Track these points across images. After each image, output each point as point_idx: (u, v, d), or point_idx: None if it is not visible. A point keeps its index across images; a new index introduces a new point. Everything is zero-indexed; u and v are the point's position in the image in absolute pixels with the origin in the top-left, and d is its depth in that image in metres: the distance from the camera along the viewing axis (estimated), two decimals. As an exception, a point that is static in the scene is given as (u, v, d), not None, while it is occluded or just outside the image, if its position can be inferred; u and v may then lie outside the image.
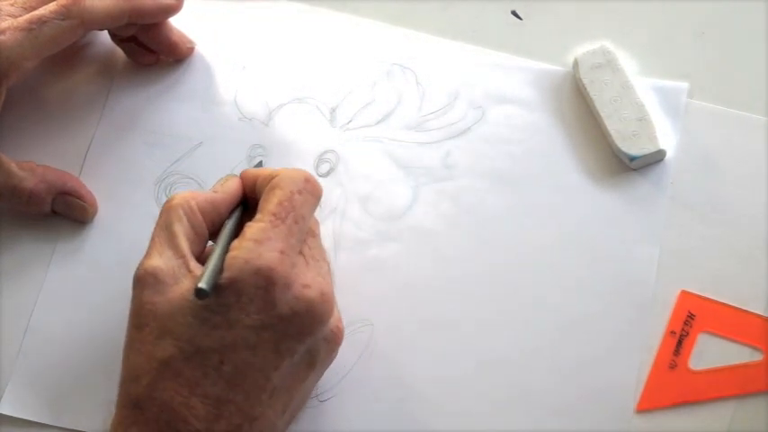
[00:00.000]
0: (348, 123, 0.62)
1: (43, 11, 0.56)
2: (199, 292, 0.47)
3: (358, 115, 0.62)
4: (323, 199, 0.59)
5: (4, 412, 0.56)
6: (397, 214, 0.59)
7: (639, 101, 0.60)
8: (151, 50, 0.62)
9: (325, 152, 0.61)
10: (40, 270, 0.59)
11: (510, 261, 0.58)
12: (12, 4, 0.57)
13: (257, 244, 0.49)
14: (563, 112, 0.61)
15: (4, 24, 0.56)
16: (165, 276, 0.50)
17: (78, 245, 0.59)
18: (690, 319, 0.57)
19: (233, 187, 0.54)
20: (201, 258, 0.51)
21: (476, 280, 0.57)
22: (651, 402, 0.55)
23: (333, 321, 0.51)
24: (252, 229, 0.50)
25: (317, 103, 0.62)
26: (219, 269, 0.48)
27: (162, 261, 0.50)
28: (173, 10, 0.60)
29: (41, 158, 0.60)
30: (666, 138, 0.60)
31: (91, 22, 0.57)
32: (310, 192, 0.53)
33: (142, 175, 0.60)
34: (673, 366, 0.56)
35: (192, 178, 0.60)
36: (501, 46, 0.63)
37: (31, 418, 0.56)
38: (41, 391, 0.56)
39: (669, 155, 0.60)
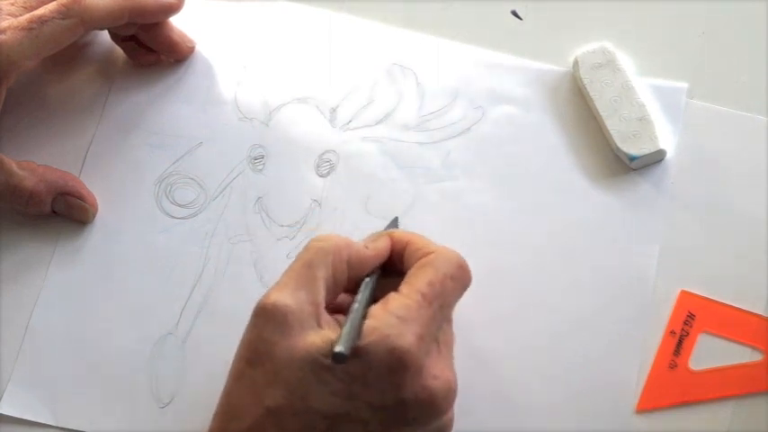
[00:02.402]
0: (348, 123, 0.62)
1: (43, 10, 0.56)
2: (336, 357, 0.45)
3: (358, 115, 0.62)
4: (324, 199, 0.60)
5: (4, 412, 0.56)
6: (397, 214, 0.59)
7: (639, 101, 0.60)
8: (151, 50, 0.62)
9: (326, 152, 0.61)
10: (40, 270, 0.59)
11: (510, 261, 0.58)
12: (12, 4, 0.57)
13: (400, 321, 0.47)
14: (563, 112, 0.61)
15: (5, 24, 0.56)
16: (293, 319, 0.47)
17: (79, 245, 0.59)
18: (690, 319, 0.57)
19: (383, 247, 0.52)
20: (331, 308, 0.50)
21: (475, 280, 0.57)
22: (651, 402, 0.55)
23: (449, 413, 0.50)
24: (397, 302, 0.48)
25: (318, 103, 0.62)
26: (358, 334, 0.46)
27: (294, 301, 0.48)
28: (173, 9, 0.60)
29: (42, 158, 0.60)
30: (666, 138, 0.60)
31: (91, 22, 0.57)
32: (461, 280, 0.51)
33: (143, 175, 0.60)
34: (673, 366, 0.56)
35: (193, 178, 0.60)
36: (501, 46, 0.63)
37: (30, 418, 0.56)
38: (41, 391, 0.56)
39: (669, 155, 0.60)
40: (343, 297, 0.51)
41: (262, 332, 0.47)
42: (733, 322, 0.56)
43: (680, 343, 0.56)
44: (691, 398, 0.55)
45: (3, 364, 0.57)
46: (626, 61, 0.61)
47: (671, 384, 0.55)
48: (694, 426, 0.55)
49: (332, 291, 0.50)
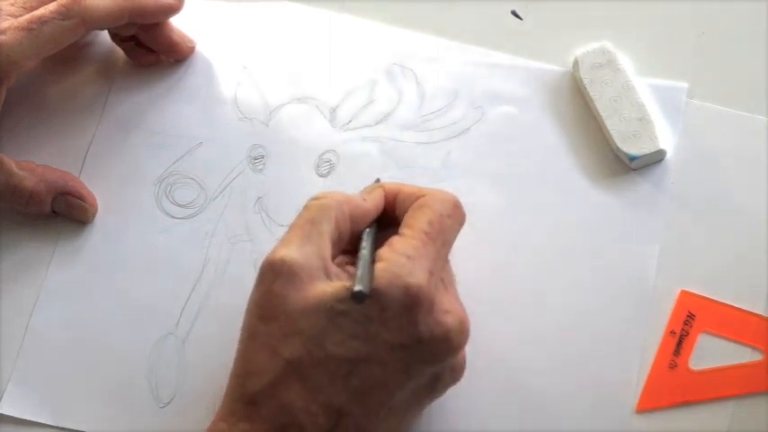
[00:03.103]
0: (348, 123, 0.62)
1: (44, 11, 0.56)
2: (356, 295, 0.45)
3: (358, 115, 0.62)
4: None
5: (4, 412, 0.56)
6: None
7: (639, 101, 0.60)
8: (151, 50, 0.62)
9: (326, 152, 0.61)
10: (40, 270, 0.59)
11: (510, 261, 0.58)
12: (12, 4, 0.57)
13: (409, 260, 0.48)
14: (563, 112, 0.61)
15: (5, 24, 0.56)
16: (301, 272, 0.48)
17: (79, 245, 0.59)
18: (690, 319, 0.57)
19: (379, 199, 0.53)
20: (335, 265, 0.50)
21: (475, 280, 0.57)
22: (651, 402, 0.55)
23: (462, 352, 0.51)
24: (403, 243, 0.49)
25: (317, 103, 0.62)
26: (371, 276, 0.47)
27: (301, 255, 0.48)
28: (173, 10, 0.60)
29: (42, 158, 0.60)
30: (666, 138, 0.60)
31: (91, 22, 0.57)
32: (457, 218, 0.52)
33: (142, 175, 0.60)
34: (673, 366, 0.56)
35: (193, 178, 0.60)
36: (501, 46, 0.63)
37: (30, 418, 0.56)
38: (41, 391, 0.56)
39: (669, 155, 0.60)
40: (340, 259, 0.51)
41: (272, 287, 0.48)
42: (733, 322, 0.56)
43: (680, 343, 0.56)
44: (691, 398, 0.55)
45: (3, 364, 0.57)
46: (626, 61, 0.61)
47: (671, 384, 0.55)
48: (694, 426, 0.55)
49: (336, 245, 0.50)
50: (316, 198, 0.51)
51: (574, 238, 0.58)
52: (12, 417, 0.56)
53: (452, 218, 0.51)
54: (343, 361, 0.47)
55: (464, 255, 0.58)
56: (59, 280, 0.59)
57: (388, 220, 0.53)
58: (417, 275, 0.47)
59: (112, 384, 0.56)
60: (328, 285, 0.48)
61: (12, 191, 0.57)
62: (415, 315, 0.47)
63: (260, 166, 0.61)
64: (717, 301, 0.57)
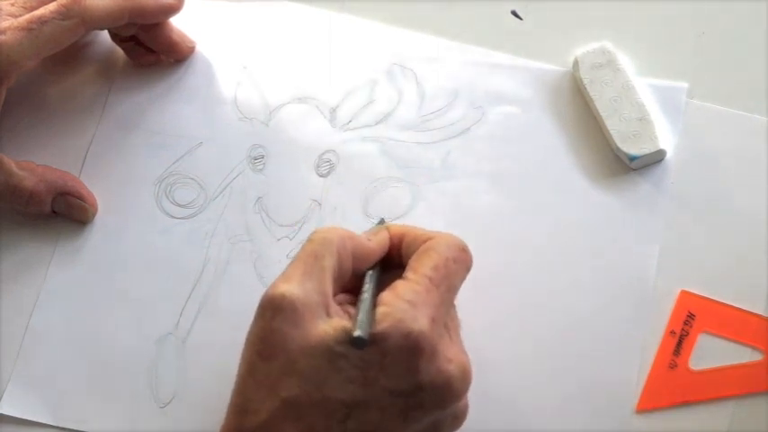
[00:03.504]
0: (348, 123, 0.62)
1: (44, 11, 0.56)
2: (356, 341, 0.45)
3: (358, 115, 0.62)
4: (324, 199, 0.60)
5: (4, 412, 0.56)
6: (397, 214, 0.59)
7: (639, 101, 0.60)
8: (151, 50, 0.62)
9: (326, 152, 0.61)
10: (40, 270, 0.59)
11: (510, 261, 0.58)
12: (12, 4, 0.57)
13: (411, 305, 0.47)
14: (563, 112, 0.61)
15: (5, 24, 0.56)
16: (303, 309, 0.47)
17: (78, 245, 0.59)
18: (690, 319, 0.57)
19: (384, 240, 0.52)
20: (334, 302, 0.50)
21: (475, 280, 0.57)
22: (651, 402, 0.55)
23: (464, 399, 0.50)
24: (405, 287, 0.48)
25: (318, 103, 0.62)
26: (372, 321, 0.46)
27: (302, 291, 0.47)
28: (173, 10, 0.60)
29: (42, 158, 0.60)
30: (666, 138, 0.60)
31: (91, 22, 0.57)
32: (464, 262, 0.51)
33: (142, 175, 0.60)
34: (673, 366, 0.56)
35: (193, 178, 0.60)
36: (501, 46, 0.63)
37: (30, 418, 0.56)
38: (41, 391, 0.56)
39: (669, 155, 0.60)
40: (342, 297, 0.51)
41: (271, 323, 0.47)
42: (733, 322, 0.57)
43: (680, 343, 0.56)
44: (691, 398, 0.55)
45: (3, 364, 0.57)
46: (626, 61, 0.61)
47: (671, 384, 0.55)
48: (694, 426, 0.55)
49: (338, 281, 0.49)
50: (320, 231, 0.50)
51: (574, 238, 0.58)
52: (12, 417, 0.56)
53: (458, 262, 0.50)
54: (341, 404, 0.46)
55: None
56: (59, 280, 0.59)
57: (392, 263, 0.52)
58: (420, 322, 0.46)
59: (112, 384, 0.56)
60: (329, 325, 0.47)
61: (12, 191, 0.57)
62: (416, 362, 0.46)
63: (260, 166, 0.61)
64: (717, 301, 0.57)
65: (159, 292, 0.58)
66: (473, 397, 0.55)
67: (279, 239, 0.59)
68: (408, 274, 0.49)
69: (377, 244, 0.52)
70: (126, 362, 0.57)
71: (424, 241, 0.51)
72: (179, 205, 0.60)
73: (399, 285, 0.48)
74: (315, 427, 0.46)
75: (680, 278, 0.57)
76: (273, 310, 0.47)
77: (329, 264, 0.48)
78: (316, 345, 0.46)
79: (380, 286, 0.49)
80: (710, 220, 0.58)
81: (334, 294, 0.50)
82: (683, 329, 0.56)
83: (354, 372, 0.46)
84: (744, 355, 0.56)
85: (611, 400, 0.55)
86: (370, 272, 0.51)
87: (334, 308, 0.48)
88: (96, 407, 0.56)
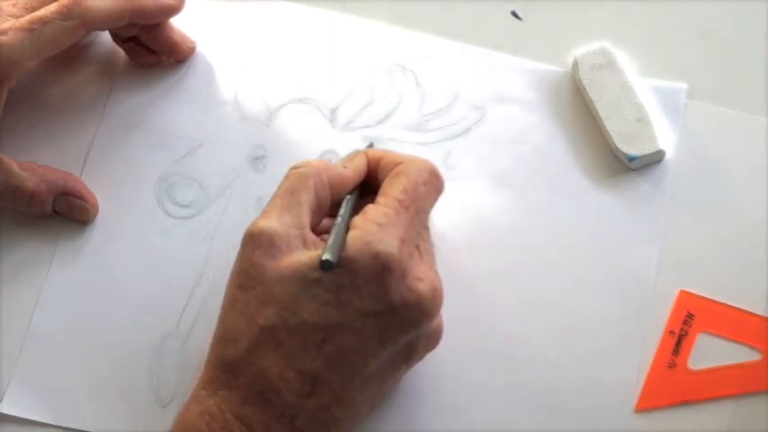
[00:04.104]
0: (348, 124, 0.62)
1: (45, 11, 0.56)
2: (324, 264, 0.46)
3: (358, 116, 0.62)
4: (323, 199, 0.60)
5: (5, 412, 0.56)
6: None
7: (639, 101, 0.60)
8: (152, 51, 0.62)
9: (326, 152, 0.61)
10: (41, 270, 0.59)
11: (509, 261, 0.58)
12: (13, 5, 0.57)
13: (380, 228, 0.49)
14: (563, 112, 0.61)
15: (6, 25, 0.56)
16: (279, 241, 0.49)
17: (80, 245, 0.59)
18: (689, 319, 0.57)
19: (360, 165, 0.54)
20: (316, 231, 0.51)
21: (474, 280, 0.57)
22: (650, 402, 0.55)
23: (436, 321, 0.51)
24: (375, 211, 0.50)
25: (318, 104, 0.62)
26: (342, 244, 0.48)
27: (279, 225, 0.49)
28: (174, 10, 0.60)
29: (42, 159, 0.60)
30: (666, 138, 0.60)
31: (92, 23, 0.57)
32: (434, 185, 0.53)
33: (143, 176, 0.61)
34: (672, 366, 0.56)
35: (194, 178, 0.60)
36: (501, 46, 0.63)
37: (32, 418, 0.56)
38: (43, 390, 0.56)
39: (669, 155, 0.60)
40: (326, 221, 0.52)
41: (251, 257, 0.49)
42: (732, 322, 0.57)
43: (679, 342, 0.56)
44: (690, 397, 0.55)
45: (4, 363, 0.57)
46: (626, 62, 0.61)
47: (670, 384, 0.56)
48: (693, 425, 0.55)
49: (317, 213, 0.51)
50: (295, 167, 0.52)
51: (573, 238, 0.59)
52: (13, 416, 0.56)
53: (428, 185, 0.52)
54: (317, 328, 0.48)
55: (464, 254, 0.58)
56: (60, 280, 0.59)
57: (372, 187, 0.53)
58: (388, 243, 0.48)
59: (113, 384, 0.57)
60: (304, 254, 0.49)
61: (13, 191, 0.57)
62: (386, 282, 0.48)
63: (260, 167, 0.61)
64: (716, 301, 0.57)
65: (160, 292, 0.58)
66: (472, 395, 0.55)
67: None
68: (379, 198, 0.51)
69: (353, 171, 0.53)
70: (127, 361, 0.57)
71: (396, 165, 0.52)
72: (180, 205, 0.60)
73: (370, 209, 0.50)
74: (293, 352, 0.48)
75: (679, 278, 0.57)
76: (253, 245, 0.49)
77: (305, 197, 0.51)
78: (291, 273, 0.48)
79: (359, 210, 0.51)
80: (710, 221, 0.59)
81: (317, 223, 0.52)
82: (682, 329, 0.57)
83: (328, 295, 0.48)
84: (743, 355, 0.56)
85: (611, 400, 0.55)
86: (348, 197, 0.52)
87: (312, 238, 0.50)
88: (97, 406, 0.56)
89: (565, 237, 0.59)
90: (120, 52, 0.63)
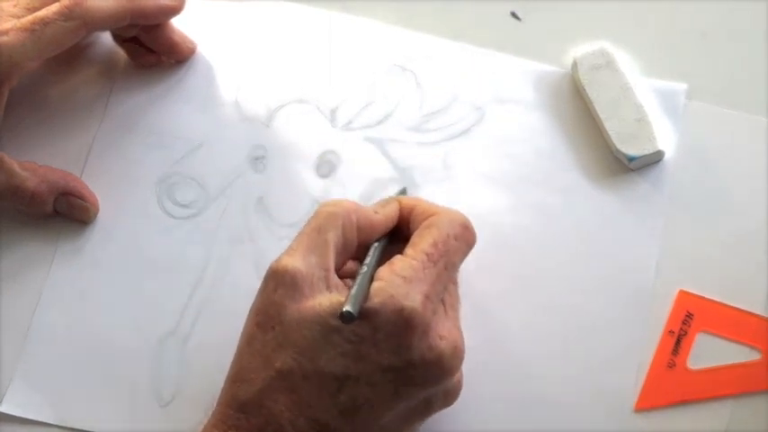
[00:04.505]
0: (348, 124, 0.62)
1: (46, 12, 0.56)
2: (345, 316, 0.45)
3: (358, 116, 0.62)
4: (324, 199, 0.60)
5: (6, 411, 0.56)
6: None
7: (638, 102, 0.60)
8: (153, 51, 0.62)
9: (326, 153, 0.61)
10: (42, 270, 0.59)
11: (509, 261, 0.58)
12: (14, 5, 0.58)
13: (406, 282, 0.47)
14: (562, 112, 0.61)
15: (7, 25, 0.56)
16: (303, 283, 0.48)
17: (80, 245, 0.59)
18: (688, 319, 0.57)
19: (392, 213, 0.53)
20: (340, 274, 0.50)
21: (474, 280, 0.58)
22: (650, 401, 0.55)
23: (456, 376, 0.50)
24: (402, 263, 0.48)
25: (318, 104, 0.62)
26: (365, 295, 0.47)
27: (304, 265, 0.48)
28: (174, 11, 0.60)
29: (43, 159, 0.60)
30: (665, 138, 0.60)
31: (93, 23, 0.57)
32: (465, 239, 0.51)
33: (144, 176, 0.61)
34: (671, 366, 0.56)
35: (194, 178, 0.61)
36: (501, 46, 0.63)
37: (33, 417, 0.56)
38: (44, 390, 0.57)
39: (668, 155, 0.60)
40: (351, 264, 0.51)
41: (272, 296, 0.48)
42: (731, 322, 0.57)
43: (678, 342, 0.56)
44: (689, 397, 0.55)
45: (5, 363, 0.57)
46: (625, 62, 0.61)
47: (669, 383, 0.56)
48: (693, 425, 0.55)
49: (342, 255, 0.50)
50: (326, 204, 0.51)
51: (573, 238, 0.59)
52: (14, 416, 0.56)
53: (459, 239, 0.51)
54: (333, 377, 0.47)
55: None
56: (61, 279, 0.59)
57: (402, 235, 0.52)
58: (412, 298, 0.47)
59: (114, 383, 0.57)
60: (326, 298, 0.48)
61: (14, 191, 0.57)
62: (408, 338, 0.47)
63: (261, 167, 0.61)
64: (715, 301, 0.57)
65: (160, 291, 0.58)
66: (472, 395, 0.55)
67: (280, 240, 0.59)
68: (408, 249, 0.50)
69: (384, 216, 0.52)
70: (127, 361, 0.57)
71: (429, 216, 0.51)
72: (180, 205, 0.60)
73: (397, 261, 0.49)
74: (307, 399, 0.47)
75: (678, 278, 0.57)
76: (276, 283, 0.48)
77: (332, 238, 0.49)
78: (312, 318, 0.47)
79: (390, 256, 0.50)
80: (709, 221, 0.59)
81: (342, 265, 0.51)
82: (681, 329, 0.57)
83: (347, 346, 0.47)
84: (742, 355, 0.56)
85: (610, 399, 0.55)
86: (375, 245, 0.51)
87: (335, 281, 0.49)
88: (98, 406, 0.56)
89: (564, 237, 0.59)
90: (121, 53, 0.63)
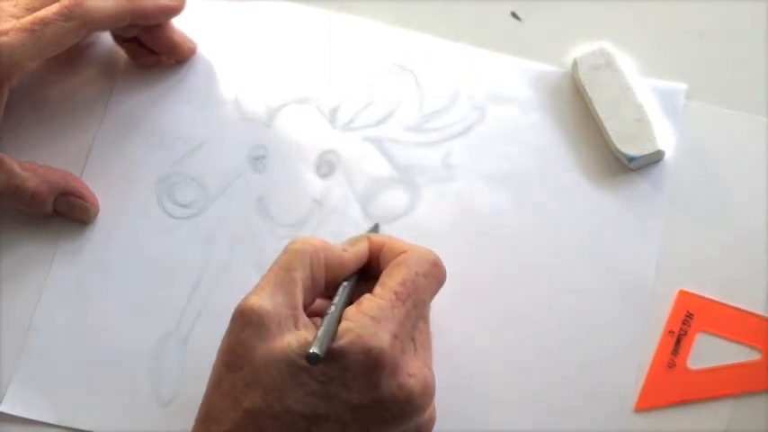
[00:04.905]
0: (349, 124, 0.62)
1: (46, 12, 0.56)
2: (311, 358, 0.45)
3: (358, 116, 0.62)
4: (324, 199, 0.60)
5: (6, 411, 0.56)
6: (397, 215, 0.59)
7: (638, 101, 0.60)
8: (153, 51, 0.62)
9: (326, 152, 0.61)
10: (42, 270, 0.59)
11: (509, 261, 0.58)
12: (14, 6, 0.57)
13: (374, 322, 0.47)
14: (562, 112, 0.61)
15: (7, 25, 0.56)
16: (270, 322, 0.47)
17: (80, 245, 0.59)
18: (688, 319, 0.57)
19: (362, 251, 0.52)
20: (308, 312, 0.50)
21: (474, 280, 0.58)
22: (650, 401, 0.55)
23: (428, 412, 0.50)
24: (370, 303, 0.48)
25: (318, 104, 0.62)
26: (332, 336, 0.47)
27: (271, 305, 0.48)
28: (174, 11, 0.60)
29: (43, 159, 0.60)
30: (665, 138, 0.60)
31: (93, 23, 0.57)
32: (435, 277, 0.51)
33: (144, 176, 0.61)
34: (671, 365, 0.56)
35: (194, 178, 0.61)
36: (501, 46, 0.63)
37: (33, 417, 0.56)
38: (44, 390, 0.57)
39: (668, 155, 0.60)
40: (320, 303, 0.51)
41: (240, 335, 0.48)
42: (731, 322, 0.57)
43: (678, 342, 0.56)
44: (689, 397, 0.55)
45: (5, 363, 0.57)
46: (625, 62, 0.61)
47: (669, 383, 0.56)
48: (693, 425, 0.55)
49: (310, 292, 0.50)
50: (293, 242, 0.51)
51: (573, 238, 0.59)
52: (14, 416, 0.56)
53: (429, 277, 0.51)
54: (302, 417, 0.47)
55: (463, 255, 0.58)
56: (61, 279, 0.59)
57: (373, 273, 0.52)
58: (380, 338, 0.47)
59: (114, 383, 0.57)
60: (294, 338, 0.47)
61: (14, 191, 0.57)
62: (376, 377, 0.47)
63: (261, 167, 0.61)
64: (715, 301, 0.57)
65: (160, 291, 0.58)
66: (472, 395, 0.55)
67: (280, 240, 0.59)
68: (377, 288, 0.49)
69: (353, 255, 0.52)
70: (127, 361, 0.57)
71: (398, 254, 0.51)
72: (180, 205, 0.60)
73: (365, 300, 0.49)
74: None
75: (678, 278, 0.58)
76: (243, 323, 0.48)
77: (300, 276, 0.49)
78: (279, 357, 0.47)
79: (360, 295, 0.50)
80: (709, 220, 0.59)
81: (311, 303, 0.50)
82: (681, 329, 0.57)
83: (316, 385, 0.47)
84: (742, 355, 0.56)
85: (610, 399, 0.55)
86: (344, 284, 0.51)
87: (303, 320, 0.49)
88: (98, 406, 0.56)
89: (564, 236, 0.59)
90: (121, 53, 0.63)
